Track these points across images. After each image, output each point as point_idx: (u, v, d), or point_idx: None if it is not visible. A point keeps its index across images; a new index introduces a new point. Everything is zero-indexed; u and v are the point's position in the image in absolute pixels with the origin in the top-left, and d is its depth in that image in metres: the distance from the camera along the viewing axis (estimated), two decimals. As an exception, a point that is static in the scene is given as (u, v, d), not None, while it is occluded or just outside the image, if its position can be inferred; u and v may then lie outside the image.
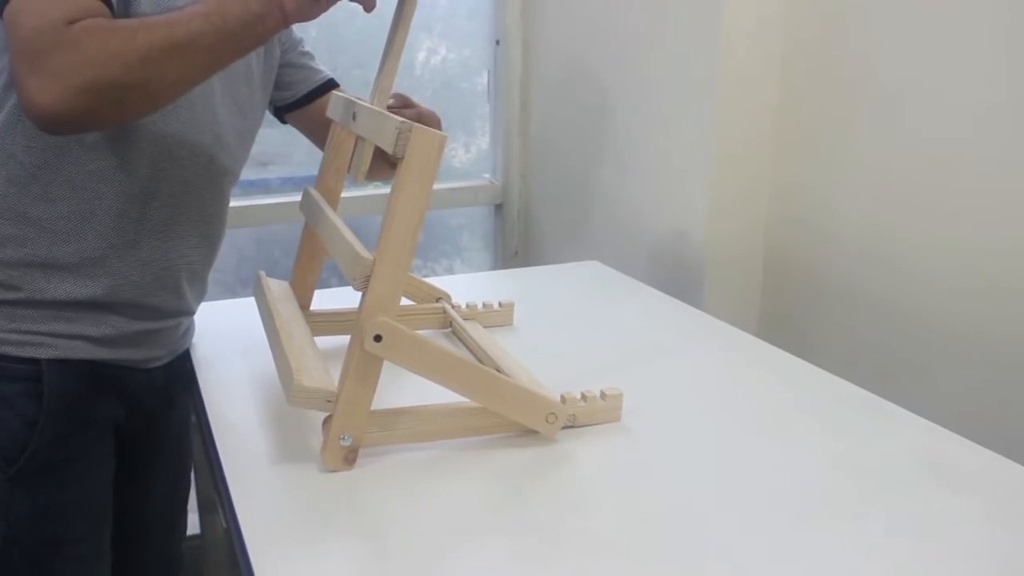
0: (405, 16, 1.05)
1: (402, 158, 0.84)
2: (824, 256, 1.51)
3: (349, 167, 1.14)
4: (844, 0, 1.42)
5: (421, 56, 2.14)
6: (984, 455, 0.96)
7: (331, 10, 0.99)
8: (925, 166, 1.32)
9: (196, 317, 1.25)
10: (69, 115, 0.86)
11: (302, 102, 1.31)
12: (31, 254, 1.02)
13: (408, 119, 0.87)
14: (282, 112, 1.33)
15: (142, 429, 1.20)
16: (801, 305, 1.58)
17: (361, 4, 1.00)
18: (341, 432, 0.89)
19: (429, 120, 1.20)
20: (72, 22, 0.86)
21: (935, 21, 1.28)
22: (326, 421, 0.91)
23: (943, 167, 1.29)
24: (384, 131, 0.88)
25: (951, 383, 1.30)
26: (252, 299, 1.20)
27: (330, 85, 1.32)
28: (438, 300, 1.32)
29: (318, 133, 1.30)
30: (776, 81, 1.56)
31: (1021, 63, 1.17)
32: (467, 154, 2.27)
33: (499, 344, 1.17)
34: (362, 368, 0.88)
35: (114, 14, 0.93)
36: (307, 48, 1.33)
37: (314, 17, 0.97)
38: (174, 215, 1.10)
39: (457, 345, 1.23)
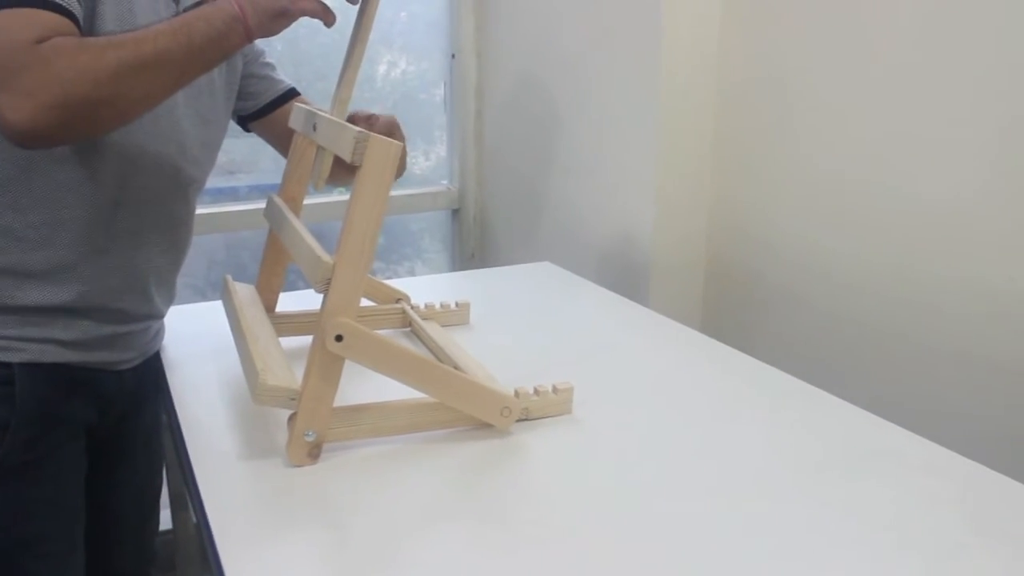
0: (363, 32, 1.07)
1: (360, 166, 0.86)
2: (761, 261, 1.58)
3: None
4: (779, 18, 1.48)
5: (382, 69, 2.18)
6: (908, 437, 1.00)
7: (294, 25, 1.02)
8: (851, 181, 1.39)
9: (166, 320, 1.26)
10: (41, 131, 0.88)
11: (264, 111, 1.34)
12: (2, 262, 1.04)
13: (375, 131, 0.90)
14: (245, 121, 1.35)
15: (114, 429, 1.21)
16: (740, 305, 1.64)
17: (322, 20, 1.03)
18: (305, 428, 0.91)
19: (391, 127, 1.22)
20: (41, 41, 0.88)
21: (864, 42, 1.34)
22: (291, 418, 0.93)
23: (867, 183, 1.36)
24: (343, 141, 0.90)
25: (874, 374, 1.38)
26: (220, 302, 1.22)
27: (291, 94, 1.34)
28: (397, 301, 1.34)
29: (281, 140, 1.33)
30: (714, 96, 1.63)
31: (944, 82, 1.23)
32: (427, 161, 2.31)
33: (456, 342, 1.20)
34: (324, 367, 0.90)
35: (81, 32, 0.96)
36: (269, 59, 1.35)
37: (276, 32, 1.01)
38: (141, 223, 1.13)
39: (416, 344, 1.26)
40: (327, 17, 1.03)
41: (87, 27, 0.99)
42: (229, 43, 0.97)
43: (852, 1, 1.35)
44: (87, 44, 0.91)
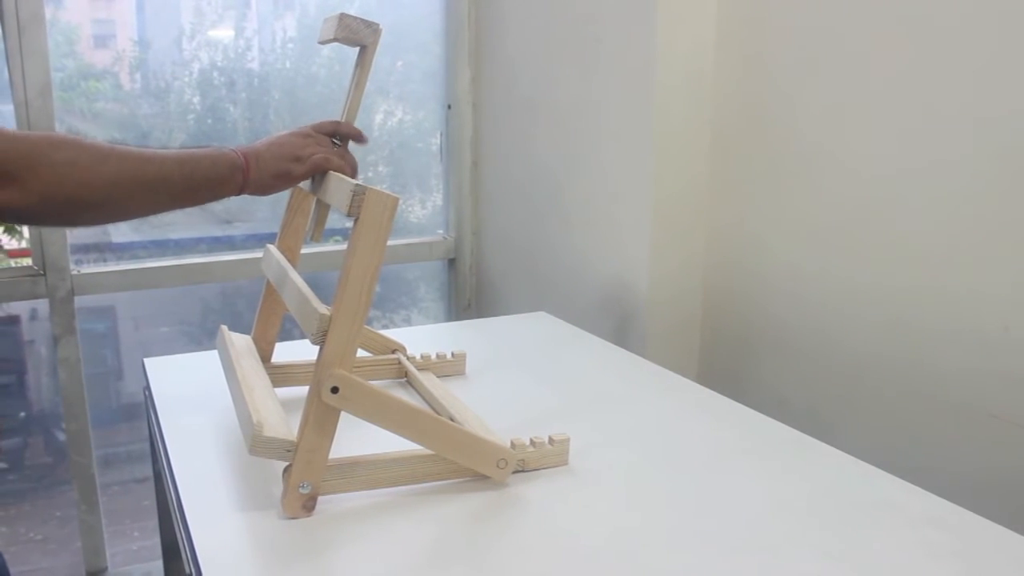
0: (359, 85, 1.09)
1: (357, 218, 0.87)
2: (757, 312, 1.58)
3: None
4: (770, 70, 1.50)
5: (379, 118, 2.21)
6: (906, 488, 1.00)
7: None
8: (846, 214, 1.40)
9: (162, 368, 1.25)
10: (24, 216, 0.89)
11: None
12: None
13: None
14: None
15: None
16: (736, 355, 1.64)
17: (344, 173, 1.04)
18: (300, 480, 0.91)
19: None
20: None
21: (855, 74, 1.36)
22: (286, 470, 0.92)
23: (863, 214, 1.37)
24: (340, 193, 0.91)
25: (871, 425, 1.37)
26: (216, 352, 1.22)
27: None
28: (393, 352, 1.34)
29: None
30: (708, 139, 1.64)
31: (935, 114, 1.25)
32: (423, 210, 2.33)
33: (452, 393, 1.20)
34: (320, 419, 0.90)
35: None
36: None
37: (270, 193, 1.02)
38: None
39: (412, 395, 1.25)
40: (345, 168, 1.04)
41: None
42: (222, 190, 0.99)
43: (841, 43, 1.37)
44: (90, 147, 0.92)
